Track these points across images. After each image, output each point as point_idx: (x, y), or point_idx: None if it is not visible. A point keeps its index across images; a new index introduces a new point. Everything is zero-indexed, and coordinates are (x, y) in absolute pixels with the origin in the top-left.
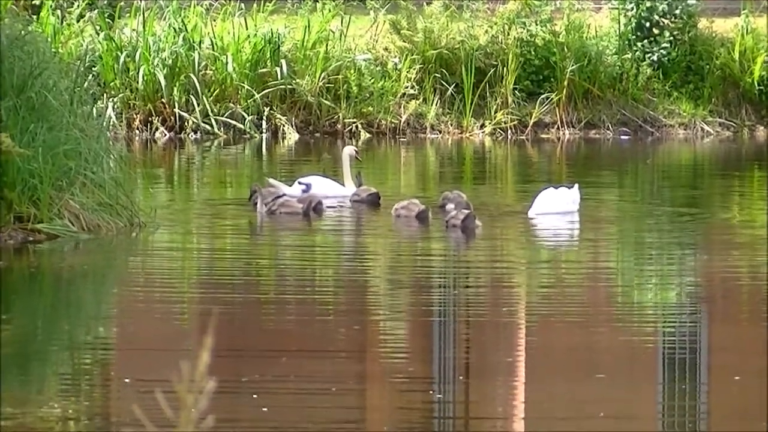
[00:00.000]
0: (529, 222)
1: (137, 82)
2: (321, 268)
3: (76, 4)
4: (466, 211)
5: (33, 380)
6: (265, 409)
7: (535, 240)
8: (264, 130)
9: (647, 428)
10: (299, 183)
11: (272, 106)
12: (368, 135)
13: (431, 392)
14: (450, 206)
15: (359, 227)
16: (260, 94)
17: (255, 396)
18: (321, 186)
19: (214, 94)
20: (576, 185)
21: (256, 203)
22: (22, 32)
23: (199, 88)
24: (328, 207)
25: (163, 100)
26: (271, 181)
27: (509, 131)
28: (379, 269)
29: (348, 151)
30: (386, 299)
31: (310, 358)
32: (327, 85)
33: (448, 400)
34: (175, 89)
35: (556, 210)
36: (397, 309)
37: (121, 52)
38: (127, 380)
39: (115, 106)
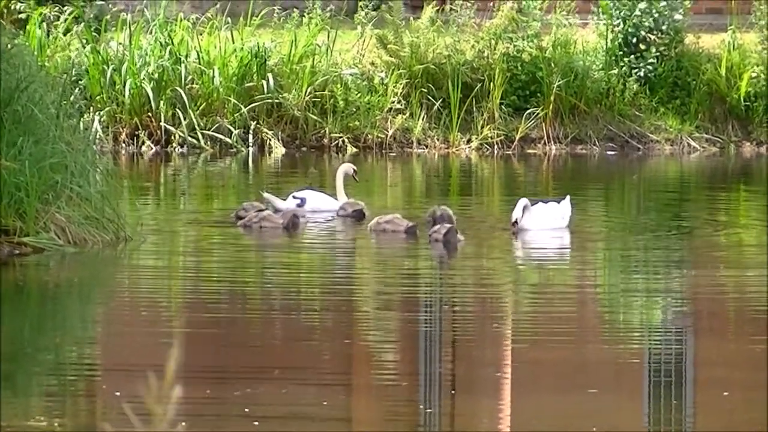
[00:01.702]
0: (516, 237)
1: (124, 96)
2: (305, 283)
3: (62, 17)
4: (448, 226)
5: (18, 394)
6: (256, 423)
7: (521, 256)
8: (250, 144)
9: None
10: (293, 197)
11: (259, 120)
12: (355, 149)
13: (420, 407)
14: (436, 227)
15: (343, 243)
16: (247, 108)
17: (246, 410)
18: (315, 200)
19: (200, 108)
20: (567, 198)
21: (240, 217)
22: (9, 45)
23: (186, 102)
24: (315, 222)
25: (149, 113)
26: (266, 195)
27: (496, 146)
28: (364, 285)
29: (345, 168)
30: (372, 314)
31: (296, 373)
32: (313, 99)
33: (434, 414)
34: (162, 103)
35: (542, 225)
36: (383, 324)
37: (108, 66)
38: (109, 393)
39: (102, 120)
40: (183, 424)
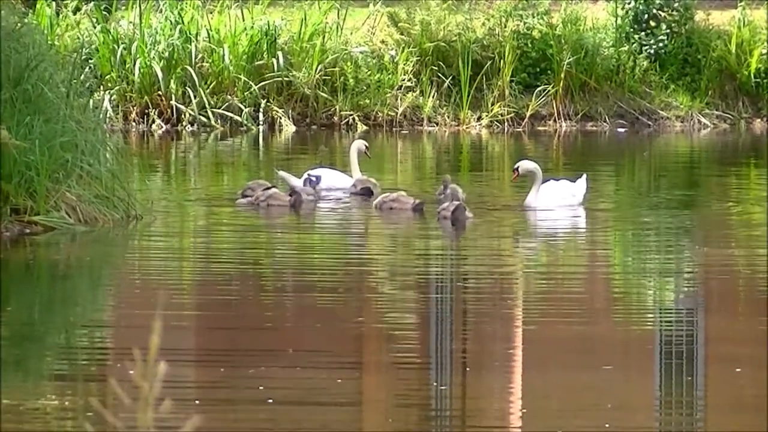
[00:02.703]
0: (527, 214)
1: (134, 75)
2: (315, 263)
3: None
4: (456, 203)
5: (30, 373)
6: (270, 401)
7: (532, 232)
8: (261, 122)
9: (644, 419)
10: (308, 175)
11: (269, 98)
12: (365, 127)
13: (434, 384)
14: (445, 204)
15: (353, 222)
16: (257, 87)
17: (261, 388)
18: (330, 178)
19: (210, 87)
20: (584, 176)
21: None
22: (18, 24)
23: (195, 81)
24: (329, 199)
25: (159, 92)
26: (281, 173)
27: (506, 123)
28: (374, 264)
29: (357, 144)
30: (383, 291)
31: (307, 350)
32: (324, 77)
33: (444, 391)
34: (172, 81)
35: (553, 203)
36: (394, 300)
37: (118, 45)
38: (119, 371)
39: (112, 99)
40: (196, 401)
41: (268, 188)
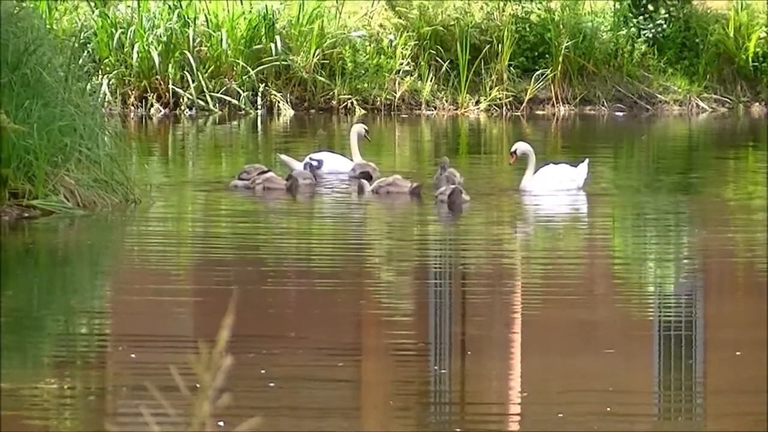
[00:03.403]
0: (524, 198)
1: (132, 59)
2: (315, 247)
3: None
4: (453, 186)
5: (29, 356)
6: (271, 384)
7: (530, 216)
8: (259, 107)
9: (644, 402)
10: (310, 159)
11: (267, 82)
12: (363, 111)
13: (435, 367)
14: (442, 188)
15: (351, 206)
16: (255, 71)
17: (263, 371)
18: (331, 162)
19: (209, 71)
20: (585, 161)
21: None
22: (17, 9)
23: (194, 65)
24: (329, 184)
25: (158, 76)
26: (283, 157)
27: (504, 107)
28: (373, 246)
29: (357, 128)
30: (381, 276)
31: (308, 332)
32: (322, 61)
33: (444, 374)
34: (170, 66)
35: (552, 187)
36: (392, 285)
37: (116, 29)
38: (119, 355)
39: (110, 83)
40: (197, 385)
41: (264, 172)
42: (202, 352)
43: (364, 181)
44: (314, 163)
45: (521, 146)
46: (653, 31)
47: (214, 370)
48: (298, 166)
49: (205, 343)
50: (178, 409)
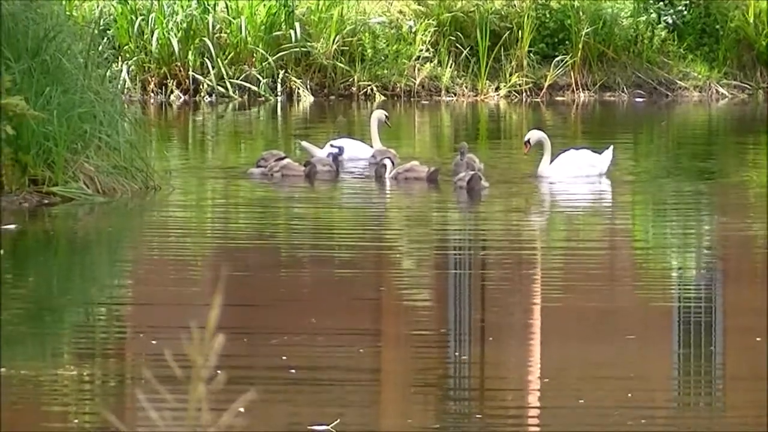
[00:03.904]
0: (545, 184)
1: (152, 46)
2: (334, 232)
3: None
4: (472, 173)
5: (48, 342)
6: (293, 371)
7: (550, 202)
8: (279, 93)
9: (664, 389)
10: (331, 146)
11: (287, 68)
12: (383, 98)
13: (456, 354)
14: (461, 174)
15: (371, 193)
16: (275, 57)
17: (284, 357)
18: (353, 148)
19: (228, 57)
20: (610, 148)
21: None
22: None
23: (213, 51)
24: (349, 171)
25: (177, 63)
26: (304, 143)
27: (524, 94)
28: (392, 234)
29: (377, 114)
30: (401, 263)
31: (327, 318)
32: (342, 47)
33: (464, 360)
34: (190, 52)
35: (571, 173)
36: (412, 270)
37: (136, 16)
38: (140, 339)
39: (130, 69)
40: (218, 372)
41: (282, 158)
42: (194, 334)
43: (387, 163)
44: (336, 150)
45: (534, 134)
46: (673, 17)
47: (207, 352)
48: (318, 152)
49: (198, 328)
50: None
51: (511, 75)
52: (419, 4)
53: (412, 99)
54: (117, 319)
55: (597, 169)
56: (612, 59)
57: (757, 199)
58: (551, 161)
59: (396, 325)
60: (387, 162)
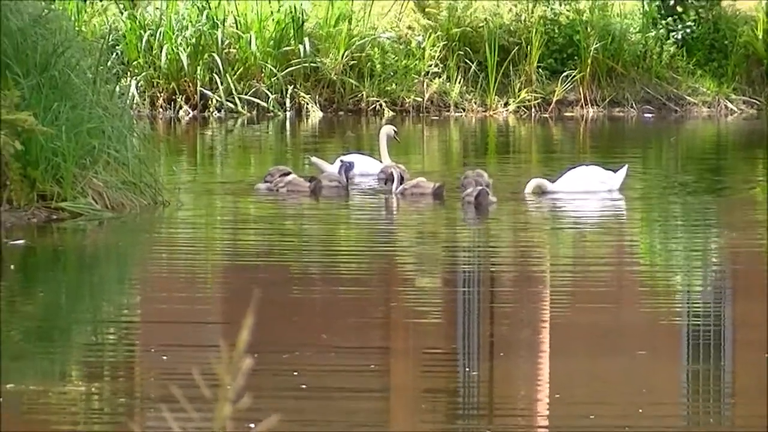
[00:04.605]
0: (553, 199)
1: (160, 61)
2: (343, 250)
3: None
4: (480, 188)
5: (57, 357)
6: (303, 387)
7: (559, 218)
8: (288, 108)
9: (673, 404)
10: (341, 161)
11: (296, 84)
12: (392, 113)
13: (466, 369)
14: (469, 190)
15: (378, 208)
16: (283, 73)
17: (295, 373)
18: (363, 164)
19: (237, 73)
20: (625, 167)
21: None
22: (45, 10)
23: (222, 67)
24: (358, 187)
25: (186, 78)
26: (314, 159)
27: (533, 109)
28: (400, 249)
29: (386, 130)
30: (409, 277)
31: (335, 334)
32: (350, 63)
33: (474, 376)
34: (199, 68)
35: (580, 188)
36: (420, 286)
37: (145, 31)
38: (151, 356)
39: (139, 85)
40: (228, 387)
41: (286, 174)
42: (223, 354)
43: (395, 174)
44: (347, 165)
45: (533, 183)
46: (682, 32)
47: (235, 372)
48: (329, 168)
49: (228, 347)
50: (205, 414)
51: (520, 90)
52: (428, 19)
53: (421, 114)
54: (126, 336)
55: (607, 186)
56: (621, 74)
57: (765, 214)
58: (559, 178)
59: (405, 341)
60: (395, 172)
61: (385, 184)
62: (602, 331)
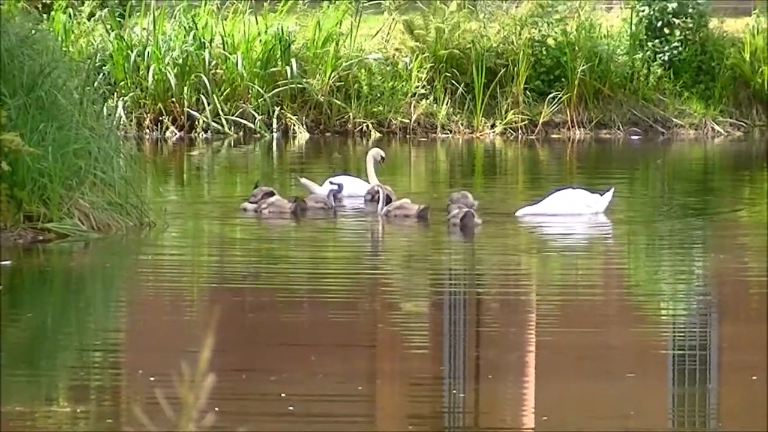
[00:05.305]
0: (538, 222)
1: (147, 81)
2: (327, 269)
3: (86, 2)
4: (465, 210)
5: (42, 379)
6: (291, 408)
7: (544, 240)
8: (274, 130)
9: (660, 427)
10: (330, 183)
11: (283, 105)
12: (379, 135)
13: (453, 391)
14: (454, 211)
15: (364, 230)
16: (270, 94)
17: (282, 395)
18: (351, 185)
19: (224, 94)
20: (611, 190)
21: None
22: (32, 31)
23: (209, 88)
24: (345, 208)
25: (173, 99)
26: (303, 180)
27: (520, 131)
28: (386, 272)
29: (373, 153)
30: (395, 299)
31: (322, 357)
32: (337, 84)
33: (460, 398)
34: (186, 88)
35: (565, 210)
36: (406, 308)
37: (132, 51)
38: (136, 377)
39: (126, 105)
40: (216, 409)
41: (270, 194)
42: (184, 373)
43: (381, 193)
44: (335, 187)
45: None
46: (669, 54)
47: (198, 390)
48: (317, 189)
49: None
50: None
51: (507, 112)
52: (416, 41)
53: (408, 136)
54: (111, 357)
55: (592, 209)
56: (608, 96)
57: (752, 236)
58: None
59: (392, 364)
60: (381, 192)
61: (372, 198)
62: (589, 353)
